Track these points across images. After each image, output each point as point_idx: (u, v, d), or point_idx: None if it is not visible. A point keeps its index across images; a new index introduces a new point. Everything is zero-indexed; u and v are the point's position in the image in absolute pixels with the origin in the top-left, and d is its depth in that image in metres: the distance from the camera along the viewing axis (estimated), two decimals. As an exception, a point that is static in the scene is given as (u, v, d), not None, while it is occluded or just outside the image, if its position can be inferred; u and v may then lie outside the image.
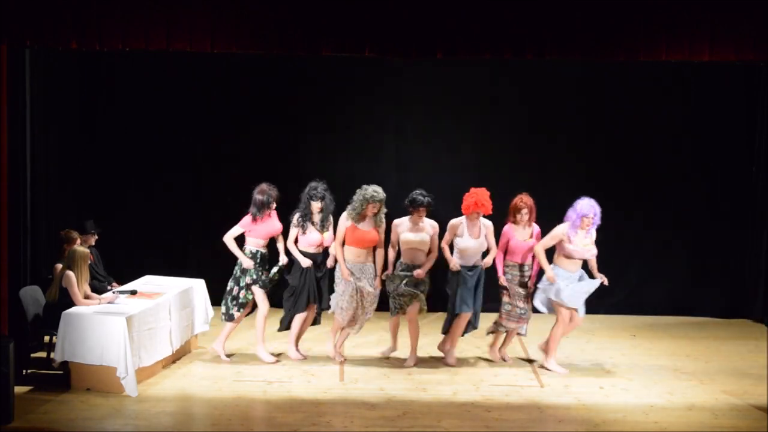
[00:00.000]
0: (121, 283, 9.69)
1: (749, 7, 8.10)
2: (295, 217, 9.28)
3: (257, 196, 9.24)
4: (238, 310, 9.30)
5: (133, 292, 9.15)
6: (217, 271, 11.06)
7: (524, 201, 9.12)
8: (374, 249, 9.22)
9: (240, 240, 9.34)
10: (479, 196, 9.00)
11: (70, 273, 8.62)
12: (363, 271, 9.16)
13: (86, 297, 8.72)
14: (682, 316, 11.39)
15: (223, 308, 9.35)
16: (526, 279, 9.17)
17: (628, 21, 8.18)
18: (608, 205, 11.28)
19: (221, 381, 8.76)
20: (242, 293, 9.29)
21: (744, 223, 11.44)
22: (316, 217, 9.24)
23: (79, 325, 8.36)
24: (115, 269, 10.20)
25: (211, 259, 11.42)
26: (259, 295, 9.30)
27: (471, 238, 9.10)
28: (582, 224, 8.97)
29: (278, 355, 9.47)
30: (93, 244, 9.61)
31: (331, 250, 9.31)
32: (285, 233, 9.38)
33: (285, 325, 9.45)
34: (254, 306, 9.38)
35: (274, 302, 9.54)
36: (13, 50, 8.47)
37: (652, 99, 11.41)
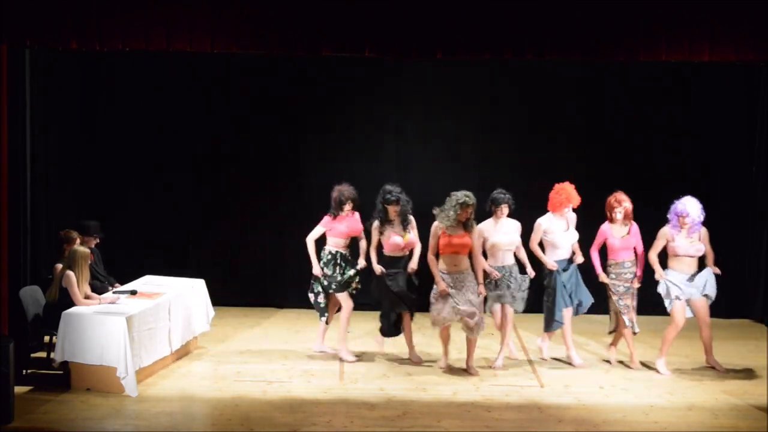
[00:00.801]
0: (122, 283, 9.69)
1: (749, 7, 8.10)
2: (374, 224, 9.29)
3: (332, 194, 9.33)
4: (322, 315, 9.51)
5: (133, 292, 9.15)
6: (217, 271, 11.10)
7: (618, 199, 9.19)
8: (470, 256, 9.01)
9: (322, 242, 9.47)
10: (568, 192, 9.20)
11: (71, 273, 8.62)
12: (462, 281, 8.91)
13: (86, 297, 8.72)
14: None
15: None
16: (630, 276, 9.18)
17: (628, 21, 8.18)
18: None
19: (221, 381, 8.76)
20: (320, 298, 9.45)
21: (744, 223, 11.43)
22: (395, 221, 9.24)
23: (79, 325, 8.36)
24: (115, 269, 10.19)
25: (211, 259, 11.46)
26: (341, 296, 9.36)
27: (563, 231, 9.25)
28: (680, 224, 9.06)
29: (359, 355, 9.53)
30: (93, 245, 9.59)
31: (416, 251, 9.27)
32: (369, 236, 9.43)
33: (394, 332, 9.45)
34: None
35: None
36: (13, 50, 8.47)
37: (652, 99, 11.41)
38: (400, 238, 9.21)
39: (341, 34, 8.21)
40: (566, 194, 9.19)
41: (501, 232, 9.21)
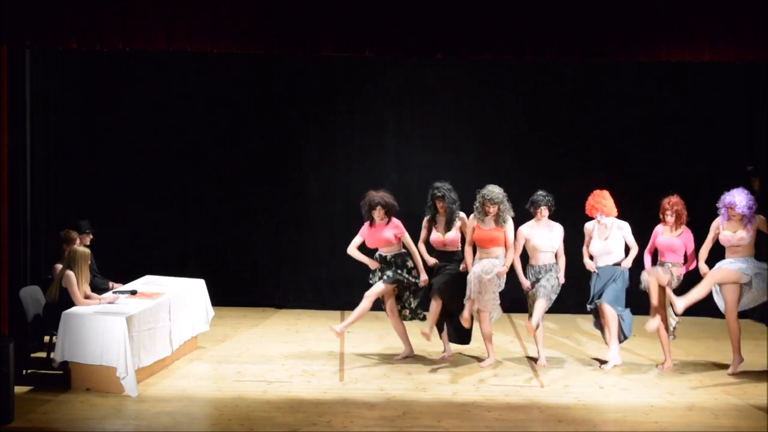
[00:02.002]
0: (121, 283, 9.69)
1: (749, 7, 8.09)
2: (425, 218, 9.36)
3: (361, 203, 9.34)
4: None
5: (133, 292, 9.15)
6: (217, 271, 11.10)
7: (670, 202, 9.20)
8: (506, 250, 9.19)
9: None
10: (591, 198, 9.25)
11: (71, 273, 8.62)
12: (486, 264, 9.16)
13: (86, 297, 8.72)
14: (682, 316, 11.35)
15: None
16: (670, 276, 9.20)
17: (628, 21, 8.17)
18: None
19: (221, 381, 8.76)
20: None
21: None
22: (441, 217, 9.25)
23: (79, 325, 8.36)
24: (115, 269, 10.19)
25: (211, 259, 11.46)
26: (375, 289, 9.27)
27: (598, 239, 9.28)
28: (728, 215, 9.09)
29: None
30: (88, 243, 9.59)
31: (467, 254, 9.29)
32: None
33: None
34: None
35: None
36: (13, 50, 8.46)
37: (652, 99, 11.40)
38: (440, 235, 9.26)
39: (341, 34, 8.20)
40: (588, 200, 9.28)
41: (540, 233, 9.25)
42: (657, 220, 11.44)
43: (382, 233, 9.27)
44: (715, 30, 8.12)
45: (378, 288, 9.25)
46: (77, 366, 8.42)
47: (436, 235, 9.29)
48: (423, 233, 9.40)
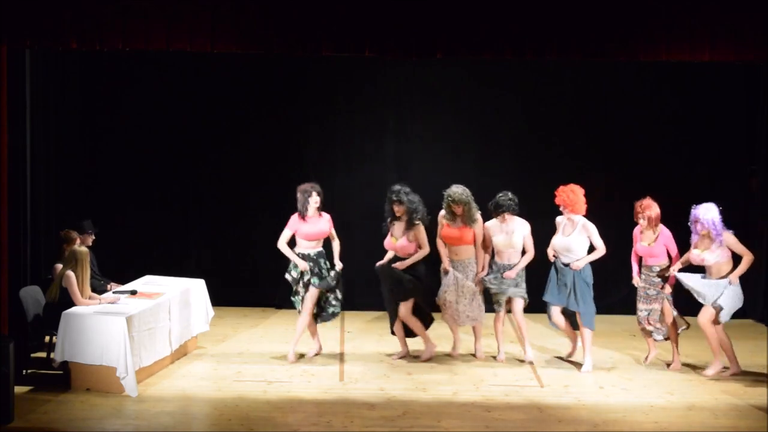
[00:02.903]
0: (121, 283, 9.69)
1: (749, 7, 8.09)
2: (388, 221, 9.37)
3: (297, 195, 9.28)
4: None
5: (133, 292, 9.15)
6: (217, 271, 11.10)
7: (642, 206, 9.15)
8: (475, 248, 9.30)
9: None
10: (561, 189, 9.20)
11: (71, 273, 8.62)
12: (457, 268, 9.27)
13: (86, 297, 8.72)
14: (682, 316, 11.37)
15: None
16: (654, 281, 9.17)
17: (628, 21, 8.17)
18: (608, 205, 11.30)
19: (221, 381, 8.76)
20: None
21: (744, 223, 11.41)
22: (398, 221, 9.23)
23: (79, 325, 8.36)
24: (116, 269, 10.20)
25: (211, 259, 11.46)
26: (308, 303, 9.31)
27: (561, 235, 9.25)
28: (697, 230, 9.04)
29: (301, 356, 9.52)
30: (90, 244, 9.60)
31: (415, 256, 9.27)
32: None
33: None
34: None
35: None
36: (13, 50, 8.46)
37: (652, 99, 11.40)
38: (389, 239, 9.26)
39: (341, 34, 8.21)
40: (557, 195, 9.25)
41: (502, 233, 9.28)
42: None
43: (317, 225, 9.28)
44: (715, 30, 8.12)
45: (312, 300, 9.26)
46: (77, 366, 8.42)
47: (388, 239, 9.28)
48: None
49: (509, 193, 9.26)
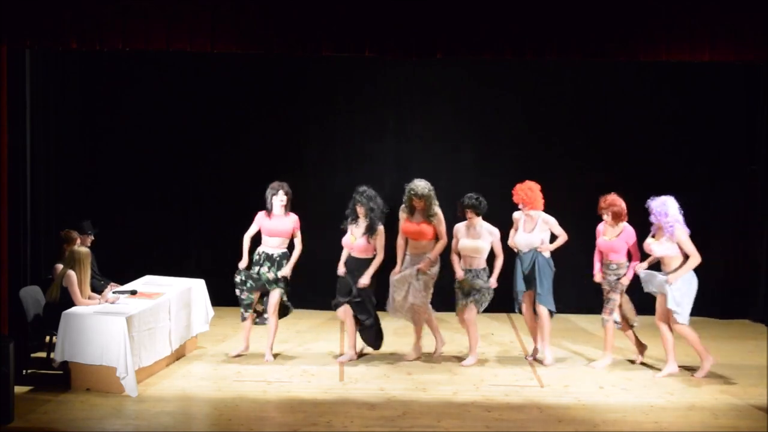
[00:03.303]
0: (121, 283, 9.69)
1: (749, 7, 8.09)
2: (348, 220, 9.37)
3: (267, 192, 9.32)
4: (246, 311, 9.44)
5: (133, 292, 9.15)
6: (217, 271, 11.08)
7: (606, 201, 9.17)
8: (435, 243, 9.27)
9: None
10: (518, 187, 9.29)
11: (71, 273, 8.62)
12: (417, 263, 9.23)
13: (86, 297, 8.72)
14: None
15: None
16: (612, 278, 9.17)
17: (628, 21, 8.17)
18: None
19: (221, 381, 8.76)
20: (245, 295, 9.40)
21: (744, 223, 11.43)
22: (360, 221, 9.25)
23: (79, 325, 8.36)
24: (116, 269, 10.20)
25: (211, 259, 11.45)
26: (273, 303, 9.35)
27: (523, 232, 9.34)
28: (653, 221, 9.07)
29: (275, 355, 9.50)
30: (89, 245, 9.60)
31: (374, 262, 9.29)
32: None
33: None
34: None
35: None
36: (13, 50, 8.46)
37: (652, 99, 11.40)
38: (348, 238, 9.29)
39: (341, 34, 8.21)
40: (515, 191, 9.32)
41: (468, 236, 9.27)
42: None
43: (281, 224, 9.30)
44: (715, 30, 8.12)
45: (275, 300, 9.29)
46: (77, 366, 8.42)
47: (345, 238, 9.30)
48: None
49: (476, 194, 9.28)
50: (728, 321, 11.27)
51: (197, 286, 9.77)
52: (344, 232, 9.37)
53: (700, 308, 11.47)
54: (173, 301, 9.17)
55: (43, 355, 8.98)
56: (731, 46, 8.15)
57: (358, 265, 9.25)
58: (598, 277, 9.28)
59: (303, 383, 8.73)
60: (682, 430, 7.75)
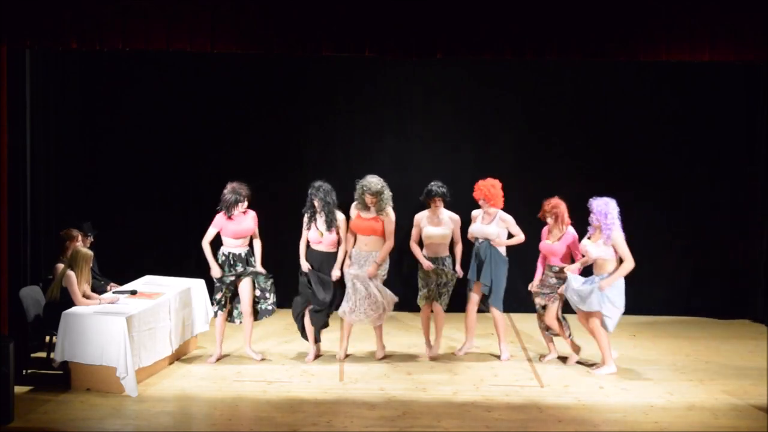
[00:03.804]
0: (121, 283, 9.69)
1: (749, 7, 8.09)
2: (306, 215, 9.37)
3: (226, 194, 9.29)
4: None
5: (133, 292, 9.15)
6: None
7: (549, 205, 9.19)
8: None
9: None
10: (480, 183, 9.33)
11: (71, 273, 8.62)
12: (367, 259, 9.25)
13: (86, 297, 8.72)
14: (682, 316, 11.39)
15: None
16: (553, 281, 9.19)
17: (628, 21, 8.17)
18: (608, 205, 11.27)
19: (221, 381, 8.76)
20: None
21: (744, 223, 11.43)
22: (321, 216, 9.26)
23: (79, 325, 8.37)
24: (116, 269, 10.20)
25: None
26: (246, 303, 9.39)
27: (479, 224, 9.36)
28: (591, 221, 9.04)
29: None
30: (88, 246, 9.59)
31: (340, 254, 9.33)
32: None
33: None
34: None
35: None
36: (13, 50, 8.46)
37: (652, 99, 11.40)
38: (316, 234, 9.30)
39: (341, 34, 8.21)
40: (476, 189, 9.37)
41: (433, 224, 9.33)
42: (655, 220, 11.51)
43: (243, 223, 9.32)
44: (715, 30, 8.12)
45: (249, 300, 9.32)
46: (77, 366, 8.42)
47: (312, 234, 9.31)
48: (306, 233, 9.38)
49: (441, 182, 9.36)
50: (728, 321, 11.27)
51: (197, 286, 9.77)
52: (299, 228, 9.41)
53: (701, 308, 11.54)
54: (173, 301, 9.17)
55: (43, 355, 8.99)
56: (731, 46, 8.15)
57: (327, 258, 9.29)
58: (534, 284, 9.30)
59: (303, 383, 8.73)
60: (682, 430, 7.75)
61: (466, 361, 9.43)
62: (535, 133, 11.46)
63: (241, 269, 9.31)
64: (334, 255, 9.29)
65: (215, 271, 9.29)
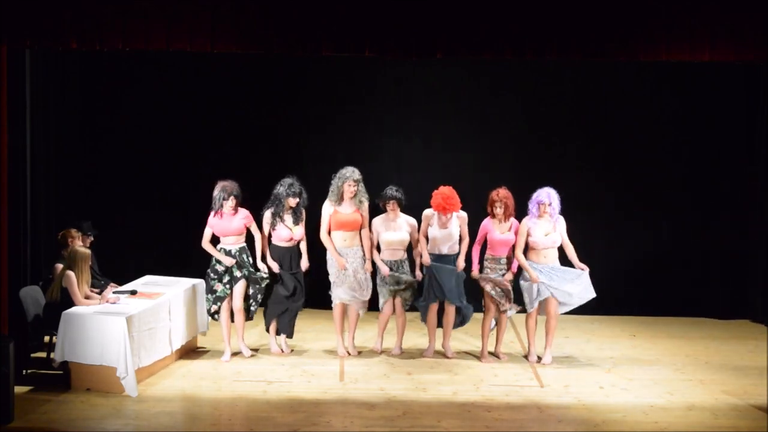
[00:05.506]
0: (121, 283, 9.69)
1: (749, 7, 8.09)
2: (268, 213, 9.39)
3: (214, 193, 9.37)
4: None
5: (133, 292, 9.16)
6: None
7: (499, 195, 9.23)
8: (361, 232, 9.40)
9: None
10: (440, 198, 9.21)
11: (71, 273, 8.62)
12: (351, 255, 9.33)
13: (86, 297, 8.72)
14: (682, 316, 11.39)
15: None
16: (503, 272, 9.27)
17: (628, 21, 8.18)
18: (608, 205, 11.30)
19: (221, 381, 8.76)
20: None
21: (744, 224, 11.43)
22: (288, 213, 9.36)
23: (79, 325, 8.37)
24: (116, 269, 10.20)
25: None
26: (237, 300, 9.45)
27: (439, 228, 9.31)
28: (539, 212, 9.13)
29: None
30: (88, 246, 9.60)
31: (303, 246, 9.47)
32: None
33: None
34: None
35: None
36: (13, 50, 8.46)
37: (652, 99, 11.41)
38: (288, 231, 9.39)
39: (341, 34, 8.21)
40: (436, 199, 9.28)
41: (391, 229, 9.36)
42: (655, 220, 11.50)
43: (233, 223, 9.37)
44: (715, 30, 8.12)
45: (240, 296, 9.37)
46: (77, 366, 8.42)
47: (284, 232, 9.38)
48: (268, 230, 9.46)
49: (396, 186, 9.42)
50: (728, 321, 11.27)
51: (197, 286, 9.76)
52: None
53: (701, 308, 11.53)
54: (173, 301, 9.17)
55: (43, 355, 8.99)
56: (731, 46, 8.16)
57: (296, 252, 9.45)
58: (476, 271, 9.33)
59: (303, 383, 8.73)
60: (682, 430, 7.75)
61: (466, 361, 9.43)
62: (535, 133, 11.47)
63: (239, 274, 9.34)
64: (298, 247, 9.43)
65: (227, 261, 9.34)
